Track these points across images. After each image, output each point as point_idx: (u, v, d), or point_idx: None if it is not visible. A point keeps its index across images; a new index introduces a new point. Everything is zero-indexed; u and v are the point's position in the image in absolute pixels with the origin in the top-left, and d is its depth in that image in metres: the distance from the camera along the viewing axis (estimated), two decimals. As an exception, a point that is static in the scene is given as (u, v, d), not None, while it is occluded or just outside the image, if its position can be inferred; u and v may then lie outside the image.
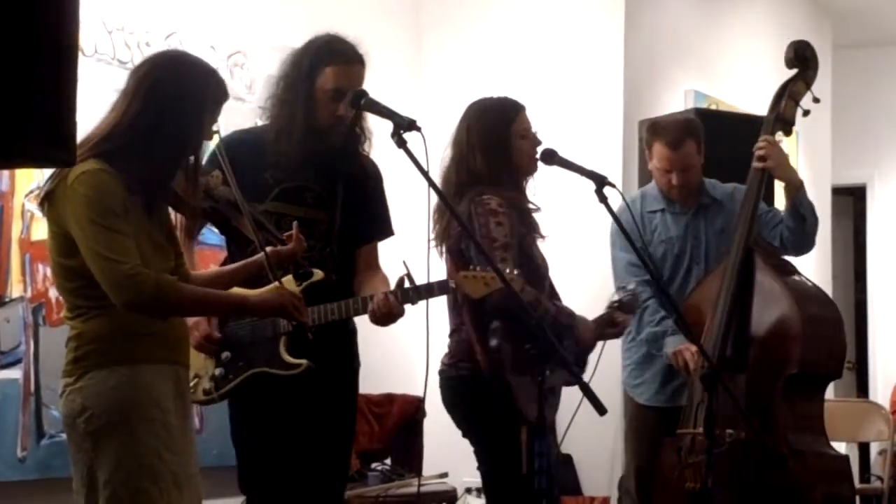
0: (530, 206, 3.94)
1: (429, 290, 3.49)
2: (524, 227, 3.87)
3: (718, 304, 4.33)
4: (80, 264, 2.86)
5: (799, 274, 4.65)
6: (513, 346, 3.64)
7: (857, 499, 7.45)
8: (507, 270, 3.43)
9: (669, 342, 4.41)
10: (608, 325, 4.02)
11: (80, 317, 2.92)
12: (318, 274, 3.45)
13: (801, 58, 4.61)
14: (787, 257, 4.62)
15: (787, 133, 4.63)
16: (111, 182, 2.83)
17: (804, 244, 4.60)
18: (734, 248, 4.39)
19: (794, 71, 4.62)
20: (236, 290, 3.27)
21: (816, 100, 4.61)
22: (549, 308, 3.79)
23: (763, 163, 4.45)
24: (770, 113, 4.60)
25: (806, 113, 4.63)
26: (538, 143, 3.92)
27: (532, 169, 3.95)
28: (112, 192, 2.83)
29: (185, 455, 2.96)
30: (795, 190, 4.49)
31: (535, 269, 3.82)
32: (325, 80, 3.57)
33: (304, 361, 3.46)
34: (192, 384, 3.45)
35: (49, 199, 2.89)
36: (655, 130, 4.59)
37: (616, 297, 4.15)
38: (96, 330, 2.89)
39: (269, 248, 3.24)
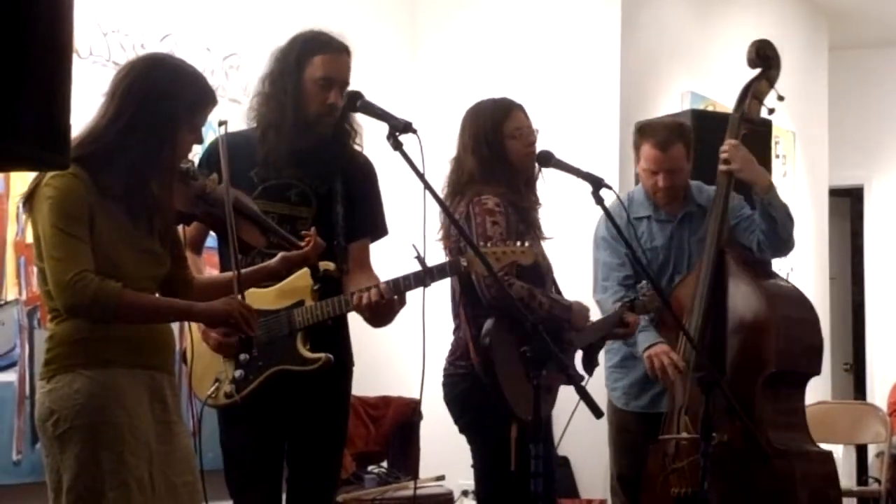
0: (530, 204, 3.95)
1: (441, 271, 3.47)
2: (523, 225, 3.88)
3: (693, 307, 4.33)
4: None
5: (774, 274, 4.63)
6: (507, 344, 3.64)
7: (855, 501, 7.48)
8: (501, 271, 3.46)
9: (641, 339, 4.34)
10: (618, 325, 4.02)
11: (54, 319, 2.88)
12: (329, 265, 3.42)
13: (764, 56, 4.61)
14: (782, 259, 4.60)
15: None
16: (77, 186, 2.78)
17: (780, 246, 4.54)
18: (706, 251, 4.38)
19: (758, 70, 4.62)
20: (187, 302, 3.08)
21: (781, 97, 4.60)
22: (543, 301, 3.81)
23: (727, 165, 4.44)
24: (735, 113, 4.60)
25: (771, 111, 4.63)
26: (530, 141, 3.94)
27: (527, 167, 3.96)
28: (76, 196, 2.78)
29: (165, 462, 2.89)
30: (763, 191, 4.44)
31: (535, 268, 3.81)
32: (314, 69, 3.56)
33: (323, 355, 3.42)
34: (212, 389, 3.45)
35: (29, 202, 2.86)
36: (644, 131, 4.56)
37: (629, 297, 4.15)
38: (66, 332, 2.85)
39: (281, 253, 3.22)
